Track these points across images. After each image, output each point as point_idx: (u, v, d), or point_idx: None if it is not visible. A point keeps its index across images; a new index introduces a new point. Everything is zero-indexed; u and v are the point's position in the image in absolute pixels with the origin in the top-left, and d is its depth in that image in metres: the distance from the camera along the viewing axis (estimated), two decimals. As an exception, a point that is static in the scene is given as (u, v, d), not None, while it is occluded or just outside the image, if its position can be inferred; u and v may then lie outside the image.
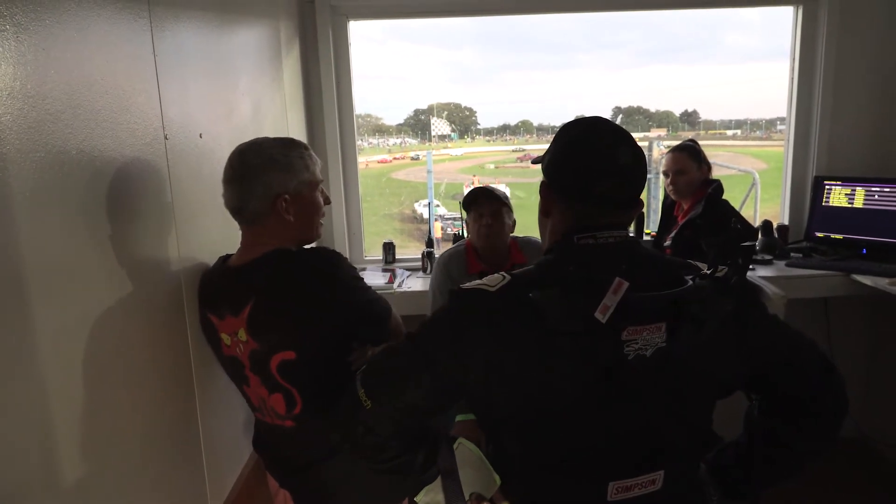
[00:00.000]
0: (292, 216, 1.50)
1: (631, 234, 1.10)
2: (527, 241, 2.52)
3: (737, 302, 1.05)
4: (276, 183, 1.47)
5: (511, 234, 2.46)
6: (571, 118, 1.18)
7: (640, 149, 1.10)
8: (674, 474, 1.09)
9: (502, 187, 2.54)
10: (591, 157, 1.07)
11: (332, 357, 1.52)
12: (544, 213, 1.15)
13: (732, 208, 2.81)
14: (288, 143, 1.53)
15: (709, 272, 1.06)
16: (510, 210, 2.43)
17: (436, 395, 1.08)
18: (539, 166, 1.18)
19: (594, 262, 1.05)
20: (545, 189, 1.14)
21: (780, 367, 1.15)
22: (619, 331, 0.98)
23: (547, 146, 1.17)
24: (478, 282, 1.07)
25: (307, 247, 1.58)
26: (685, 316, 1.01)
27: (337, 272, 1.49)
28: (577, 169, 1.08)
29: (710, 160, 2.88)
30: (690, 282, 1.03)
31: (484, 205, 2.40)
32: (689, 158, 2.82)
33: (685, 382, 1.06)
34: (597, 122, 1.12)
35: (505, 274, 1.07)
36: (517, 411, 1.05)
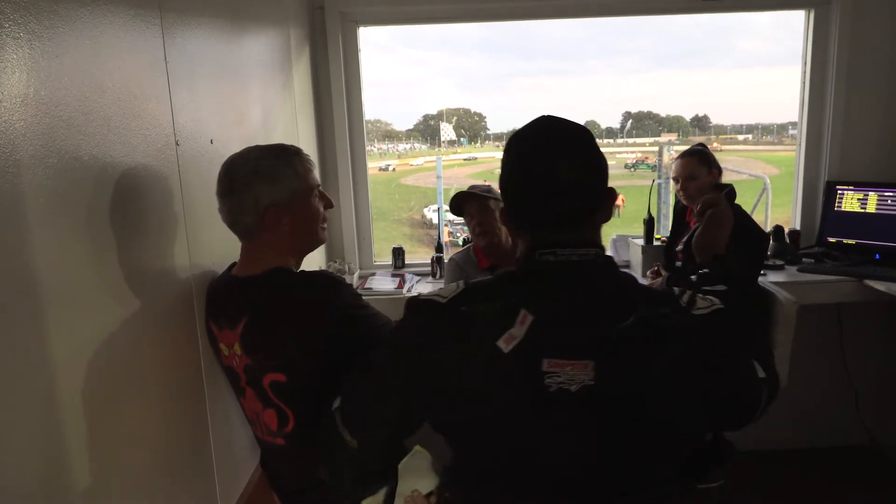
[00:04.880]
0: (286, 227, 1.47)
1: (601, 253, 1.03)
2: None
3: (696, 343, 0.97)
4: (264, 196, 1.43)
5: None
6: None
7: (587, 148, 1.03)
8: None
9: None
10: (529, 179, 1.03)
11: (324, 382, 1.47)
12: (511, 235, 1.13)
13: (745, 213, 2.79)
14: (277, 152, 1.49)
15: (684, 304, 1.00)
16: (497, 201, 2.42)
17: (408, 413, 1.08)
18: None
19: (543, 282, 1.01)
20: (503, 214, 1.11)
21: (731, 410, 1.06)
22: (534, 362, 0.94)
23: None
24: (434, 291, 1.07)
25: (309, 270, 1.55)
26: (618, 358, 0.94)
27: (334, 300, 1.44)
28: (520, 194, 1.05)
29: (721, 165, 2.86)
30: (634, 318, 0.95)
31: (470, 206, 2.42)
32: (698, 163, 2.81)
33: (623, 423, 0.97)
34: (535, 130, 1.06)
35: (461, 283, 1.05)
36: (456, 423, 1.04)
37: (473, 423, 1.02)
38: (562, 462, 0.99)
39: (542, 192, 1.01)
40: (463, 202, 2.44)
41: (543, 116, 1.07)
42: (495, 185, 2.60)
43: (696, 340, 0.97)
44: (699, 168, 2.78)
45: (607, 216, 1.08)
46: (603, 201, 1.05)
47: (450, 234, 8.97)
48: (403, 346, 1.08)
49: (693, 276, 1.26)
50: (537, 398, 0.95)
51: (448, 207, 2.57)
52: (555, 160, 1.00)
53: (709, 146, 2.85)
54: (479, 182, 2.86)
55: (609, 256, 1.05)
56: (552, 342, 0.94)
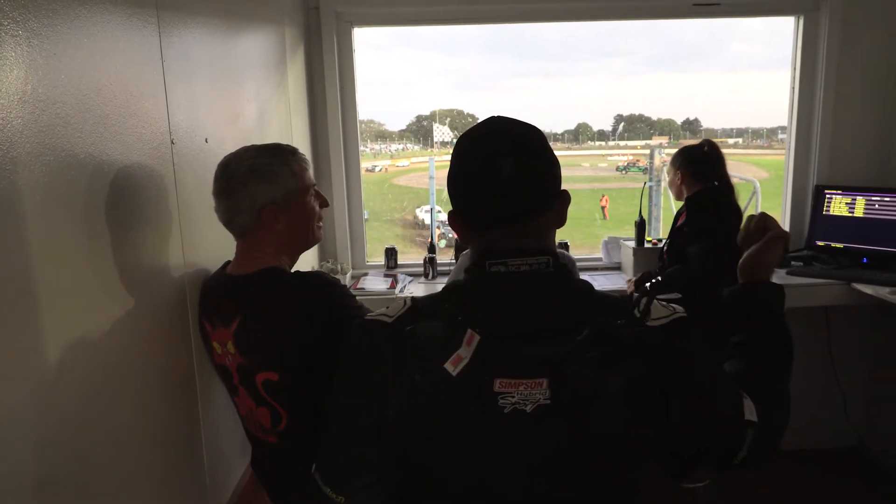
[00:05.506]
0: (283, 225, 1.48)
1: (553, 261, 0.97)
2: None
3: (654, 356, 0.92)
4: (261, 194, 1.44)
5: None
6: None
7: (535, 148, 0.97)
8: None
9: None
10: (472, 177, 0.97)
11: (318, 381, 1.47)
12: (461, 238, 1.05)
13: (716, 215, 2.67)
14: (272, 151, 1.49)
15: (638, 313, 0.95)
16: None
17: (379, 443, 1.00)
18: None
19: (491, 296, 0.96)
20: (449, 217, 1.03)
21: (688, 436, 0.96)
22: (485, 382, 0.89)
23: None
24: (381, 311, 1.00)
25: (303, 270, 1.55)
26: (572, 375, 0.89)
27: (326, 300, 1.45)
28: (463, 193, 0.99)
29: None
30: (588, 332, 0.90)
31: None
32: (670, 164, 2.87)
33: (578, 443, 0.91)
34: (482, 130, 1.00)
35: (408, 300, 1.00)
36: (406, 454, 0.97)
37: (425, 452, 0.95)
38: (518, 486, 0.93)
39: (482, 189, 0.96)
40: None
41: (493, 116, 1.02)
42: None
43: (653, 353, 0.92)
44: (670, 168, 2.86)
45: (559, 220, 1.01)
46: (552, 203, 0.98)
47: (441, 235, 8.98)
48: (350, 380, 1.02)
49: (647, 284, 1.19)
50: (491, 421, 0.90)
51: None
52: (495, 157, 0.94)
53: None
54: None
55: (563, 264, 0.99)
56: (502, 361, 0.89)
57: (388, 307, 1.01)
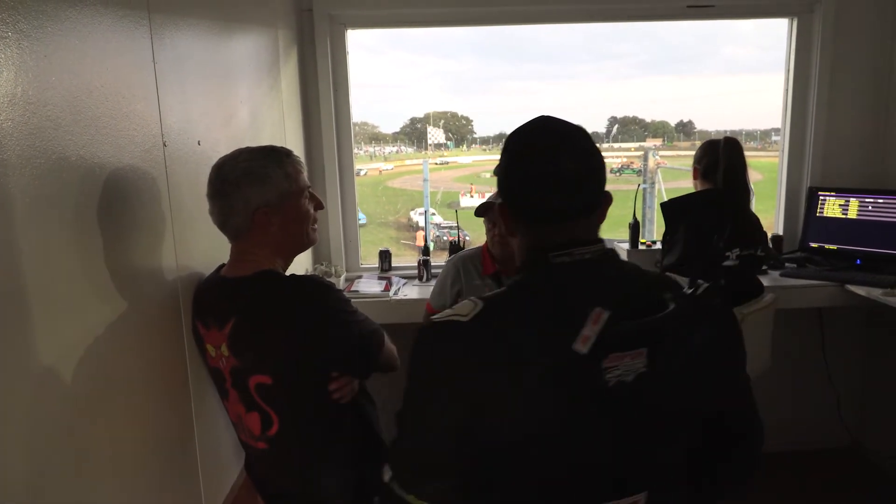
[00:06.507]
0: (276, 227, 1.47)
1: (608, 245, 1.05)
2: None
3: (718, 327, 1.04)
4: (254, 196, 1.44)
5: None
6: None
7: (587, 146, 1.03)
8: (656, 496, 1.04)
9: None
10: (533, 172, 1.02)
11: (311, 385, 1.48)
12: (508, 233, 1.10)
13: (691, 219, 2.54)
14: (267, 153, 1.49)
15: (690, 291, 1.02)
16: None
17: (464, 448, 1.01)
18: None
19: (572, 283, 1.00)
20: (502, 209, 1.08)
21: (734, 401, 1.15)
22: (600, 359, 0.94)
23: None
24: (449, 311, 1.01)
25: (298, 273, 1.55)
26: (667, 341, 0.97)
27: (321, 304, 1.44)
28: (524, 188, 1.03)
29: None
30: (671, 303, 0.99)
31: (493, 212, 2.43)
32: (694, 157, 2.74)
33: (664, 406, 1.01)
34: (536, 128, 1.06)
35: (477, 300, 1.01)
36: (501, 442, 0.99)
37: (526, 439, 0.98)
38: (612, 454, 1.00)
39: (543, 185, 1.01)
40: (490, 208, 2.46)
41: (543, 116, 1.07)
42: (485, 191, 2.61)
43: (722, 323, 1.05)
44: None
45: (602, 218, 1.07)
46: (601, 201, 1.05)
47: (435, 237, 8.96)
48: (428, 384, 1.02)
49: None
50: (599, 395, 0.96)
51: (450, 207, 2.58)
52: (560, 155, 1.00)
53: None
54: (467, 186, 2.87)
55: (612, 248, 1.06)
56: (614, 336, 0.94)
57: (452, 309, 1.02)
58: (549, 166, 1.00)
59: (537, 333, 0.95)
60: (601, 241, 1.04)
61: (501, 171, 1.07)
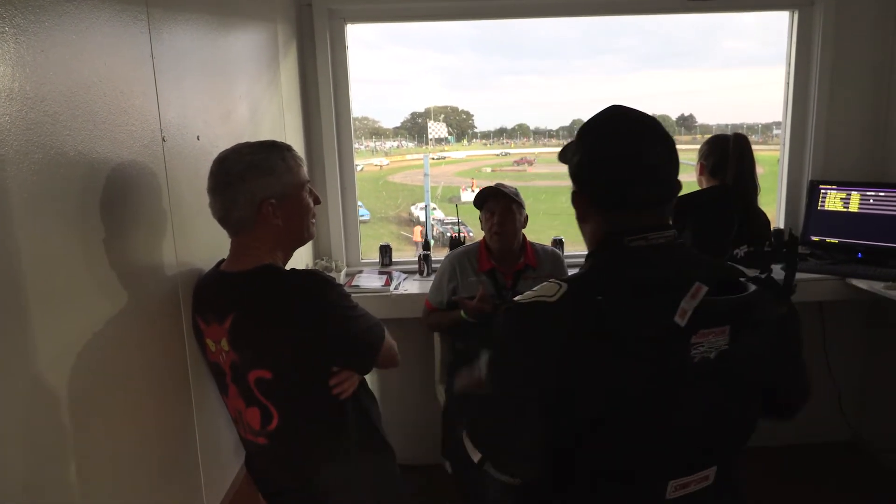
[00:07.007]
0: (280, 220, 1.48)
1: (676, 234, 1.08)
2: (543, 249, 2.54)
3: (788, 309, 1.08)
4: (260, 188, 1.44)
5: (523, 232, 2.47)
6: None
7: (666, 138, 1.07)
8: (724, 469, 1.10)
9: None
10: (617, 161, 1.05)
11: (311, 380, 1.49)
12: (581, 218, 1.13)
13: (699, 216, 2.45)
14: (269, 147, 1.50)
15: (761, 275, 1.07)
16: (521, 206, 2.44)
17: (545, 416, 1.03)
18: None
19: (652, 264, 1.04)
20: (577, 197, 1.11)
21: (794, 378, 1.20)
22: (690, 335, 0.98)
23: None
24: (532, 293, 1.04)
25: (299, 269, 1.55)
26: (748, 319, 1.02)
27: (321, 300, 1.44)
28: (606, 178, 1.06)
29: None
30: (751, 285, 1.05)
31: (493, 203, 2.42)
32: (698, 153, 2.73)
33: (739, 382, 1.06)
34: (615, 115, 1.09)
35: (560, 281, 1.03)
36: (588, 416, 1.02)
37: (611, 414, 1.01)
38: (690, 430, 1.04)
39: (624, 174, 1.04)
40: (489, 197, 2.44)
41: (617, 105, 1.11)
42: (484, 184, 2.60)
43: (790, 307, 1.09)
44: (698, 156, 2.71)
45: (673, 205, 1.11)
46: (675, 190, 1.08)
47: (439, 233, 8.94)
48: (516, 364, 1.04)
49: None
50: (685, 370, 0.99)
51: (451, 201, 2.58)
52: (643, 145, 1.04)
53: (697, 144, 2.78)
54: (467, 180, 2.86)
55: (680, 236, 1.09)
56: (705, 312, 0.97)
57: (534, 291, 1.05)
58: (633, 155, 1.04)
59: (633, 307, 0.98)
60: (672, 227, 1.08)
61: (578, 160, 1.09)
